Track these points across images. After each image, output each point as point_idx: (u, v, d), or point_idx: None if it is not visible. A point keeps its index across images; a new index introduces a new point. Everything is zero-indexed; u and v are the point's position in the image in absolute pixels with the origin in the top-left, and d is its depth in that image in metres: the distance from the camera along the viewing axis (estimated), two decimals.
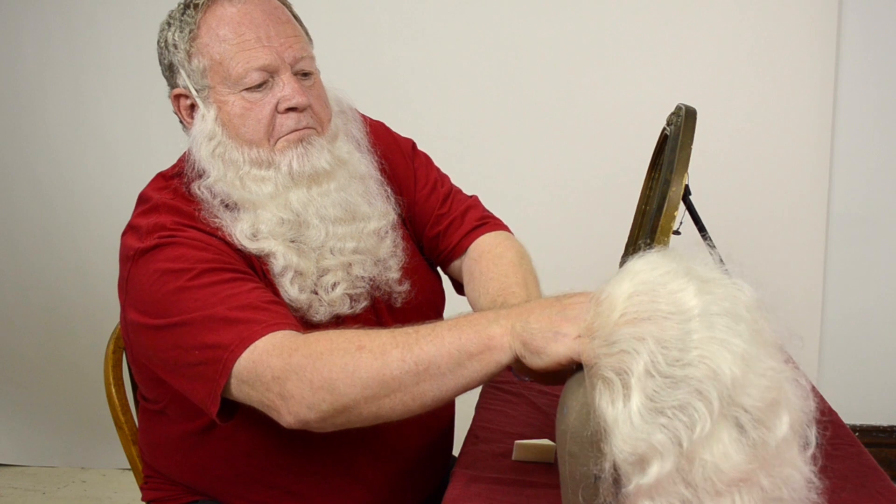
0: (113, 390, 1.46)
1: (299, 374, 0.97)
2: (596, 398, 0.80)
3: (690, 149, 1.18)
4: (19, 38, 2.63)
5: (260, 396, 1.01)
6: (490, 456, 1.22)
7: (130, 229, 1.17)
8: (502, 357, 0.91)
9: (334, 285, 1.19)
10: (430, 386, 0.94)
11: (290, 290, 1.16)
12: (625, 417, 0.77)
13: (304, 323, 1.16)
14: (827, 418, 1.34)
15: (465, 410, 1.49)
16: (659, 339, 0.77)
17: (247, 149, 1.16)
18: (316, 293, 1.18)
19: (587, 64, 2.46)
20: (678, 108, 1.26)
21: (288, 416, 0.99)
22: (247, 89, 1.15)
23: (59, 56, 2.62)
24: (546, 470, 1.17)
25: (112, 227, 2.60)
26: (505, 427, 1.33)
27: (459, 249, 1.39)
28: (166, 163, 1.34)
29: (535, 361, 0.88)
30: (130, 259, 1.13)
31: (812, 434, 0.84)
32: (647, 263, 0.84)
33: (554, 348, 0.86)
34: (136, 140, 2.61)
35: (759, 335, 0.79)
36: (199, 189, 1.17)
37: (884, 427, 2.60)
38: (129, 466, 1.45)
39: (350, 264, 1.21)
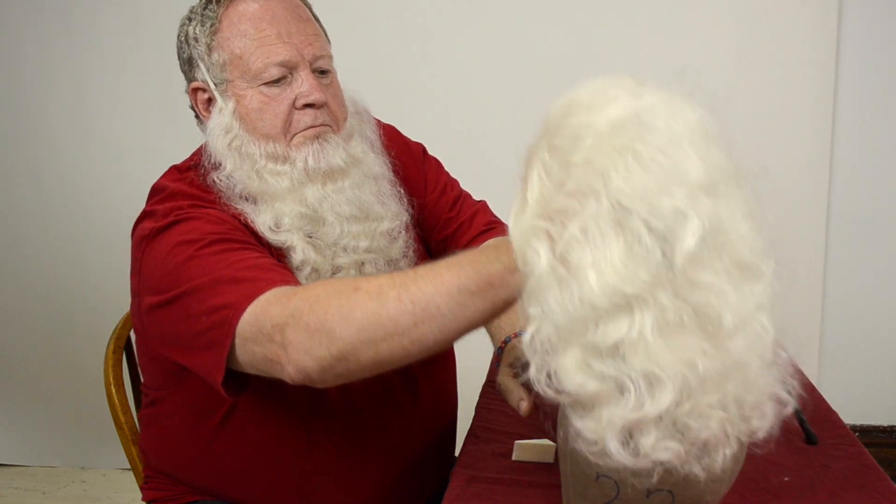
0: (113, 390, 1.46)
1: (297, 318, 0.92)
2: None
3: None
4: (20, 38, 2.63)
5: (263, 350, 0.96)
6: (490, 456, 1.22)
7: (146, 215, 1.17)
8: (507, 294, 0.81)
9: None
10: (430, 328, 0.86)
11: None
12: (516, 220, 0.74)
13: None
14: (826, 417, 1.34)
15: (465, 410, 1.49)
16: (556, 145, 0.73)
17: (263, 143, 1.16)
18: None
19: (587, 64, 2.46)
20: None
21: (289, 365, 0.93)
22: (265, 84, 1.15)
23: (59, 56, 2.62)
24: (546, 470, 1.17)
25: (113, 226, 2.60)
26: (505, 427, 1.32)
27: (470, 247, 1.39)
28: (167, 162, 1.34)
29: None
30: (146, 239, 1.12)
31: (768, 267, 0.78)
32: (595, 82, 0.79)
33: None
34: (139, 142, 2.61)
35: (684, 147, 0.72)
36: (218, 178, 1.17)
37: (884, 427, 2.60)
38: (129, 466, 1.45)
39: (363, 263, 1.21)
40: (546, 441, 1.21)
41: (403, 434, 1.30)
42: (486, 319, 0.86)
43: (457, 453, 1.28)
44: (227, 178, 1.17)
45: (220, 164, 1.17)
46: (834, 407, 1.40)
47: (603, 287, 0.69)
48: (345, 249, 1.19)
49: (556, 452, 1.20)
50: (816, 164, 2.46)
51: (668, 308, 0.70)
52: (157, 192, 1.21)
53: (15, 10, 2.62)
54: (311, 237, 1.17)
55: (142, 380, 1.37)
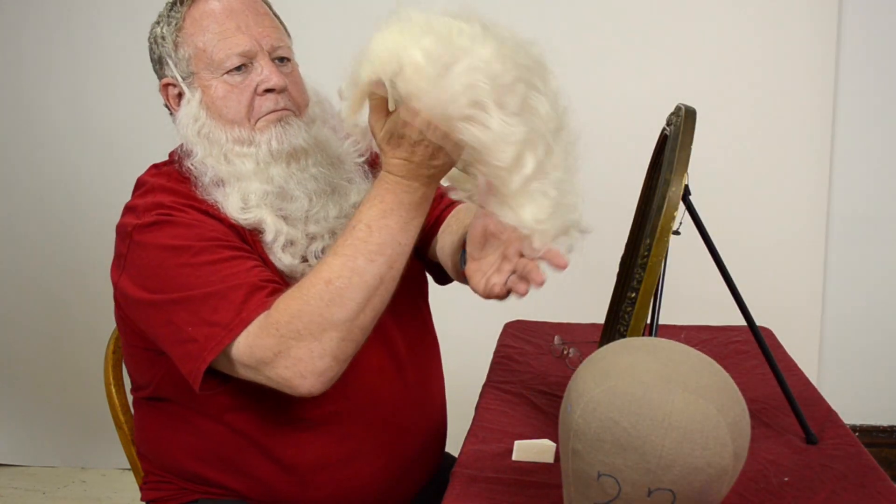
0: (113, 390, 1.46)
1: (297, 338, 1.05)
2: (471, 138, 0.98)
3: (690, 149, 1.18)
4: (20, 37, 2.63)
5: (268, 375, 1.08)
6: (490, 456, 1.22)
7: (128, 210, 1.23)
8: (429, 203, 1.09)
9: (323, 250, 1.24)
10: (400, 261, 1.09)
11: (284, 258, 1.21)
12: (499, 131, 0.97)
13: None
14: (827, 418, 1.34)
15: (465, 410, 1.49)
16: (483, 68, 0.97)
17: (229, 129, 1.23)
18: (306, 260, 1.24)
19: (587, 64, 2.46)
20: (678, 108, 1.26)
21: (304, 381, 1.06)
22: (227, 73, 1.22)
23: (59, 55, 2.62)
24: (546, 470, 1.17)
25: (113, 227, 2.60)
26: (505, 427, 1.33)
27: (439, 223, 1.42)
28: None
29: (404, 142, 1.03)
30: (129, 235, 1.18)
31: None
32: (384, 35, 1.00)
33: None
34: (137, 140, 2.60)
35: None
36: (191, 165, 1.23)
37: (884, 427, 2.60)
38: (129, 466, 1.45)
39: (335, 230, 1.25)
40: (546, 441, 1.22)
41: (395, 423, 1.31)
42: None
43: (456, 453, 1.29)
44: (200, 164, 1.23)
45: (192, 152, 1.23)
46: (834, 407, 1.40)
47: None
48: (315, 221, 1.25)
49: (556, 452, 1.20)
50: (816, 164, 2.46)
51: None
52: (137, 187, 1.28)
53: (14, 10, 2.62)
54: (279, 211, 1.22)
55: (130, 385, 1.38)
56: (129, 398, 1.48)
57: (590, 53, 2.46)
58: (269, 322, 1.06)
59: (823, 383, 2.54)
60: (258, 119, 1.23)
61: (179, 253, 1.13)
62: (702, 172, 1.56)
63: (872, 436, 2.58)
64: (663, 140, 1.35)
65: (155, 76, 1.32)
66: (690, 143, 1.19)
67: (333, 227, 1.25)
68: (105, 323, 1.63)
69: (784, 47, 2.40)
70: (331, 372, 1.08)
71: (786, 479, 1.14)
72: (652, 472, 0.83)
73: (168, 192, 1.21)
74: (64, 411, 2.80)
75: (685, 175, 1.17)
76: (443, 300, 1.59)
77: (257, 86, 1.22)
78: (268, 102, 1.23)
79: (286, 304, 1.07)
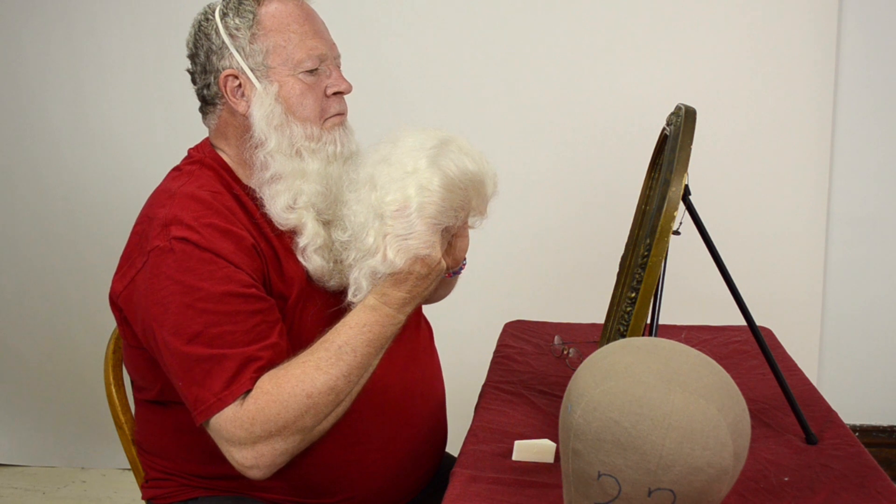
0: (113, 390, 1.46)
1: (266, 437, 1.13)
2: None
3: (690, 149, 1.18)
4: (20, 37, 2.63)
5: (226, 451, 1.16)
6: (490, 456, 1.22)
7: (148, 219, 1.23)
8: (402, 317, 1.20)
9: (339, 260, 1.28)
10: (372, 368, 1.19)
11: (315, 260, 1.26)
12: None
13: (321, 288, 1.29)
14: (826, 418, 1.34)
15: (464, 410, 1.49)
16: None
17: (302, 125, 1.28)
18: (331, 263, 1.28)
19: (587, 64, 2.46)
20: (678, 108, 1.26)
21: (257, 470, 1.15)
22: (304, 72, 1.27)
23: (59, 55, 2.62)
24: (546, 470, 1.17)
25: (113, 227, 2.60)
26: (505, 427, 1.33)
27: None
28: (167, 160, 1.35)
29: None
30: (148, 254, 1.18)
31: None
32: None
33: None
34: (138, 140, 2.61)
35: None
36: (262, 156, 1.26)
37: (884, 427, 2.60)
38: (129, 466, 1.45)
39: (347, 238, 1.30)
40: (546, 441, 1.22)
41: (402, 412, 1.32)
42: None
43: (456, 453, 1.29)
44: (269, 156, 1.26)
45: (265, 143, 1.26)
46: (834, 407, 1.40)
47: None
48: (341, 227, 1.27)
49: (556, 452, 1.20)
50: (816, 164, 2.46)
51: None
52: (158, 194, 1.27)
53: (14, 10, 2.61)
54: (319, 213, 1.28)
55: (132, 383, 1.37)
56: (131, 398, 1.48)
57: (590, 53, 2.46)
58: (243, 414, 1.12)
59: (823, 383, 2.54)
60: (326, 119, 1.30)
61: (187, 292, 1.14)
62: (702, 172, 1.57)
63: (872, 436, 2.58)
64: (663, 140, 1.35)
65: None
66: (690, 143, 1.19)
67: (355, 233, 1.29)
68: (105, 323, 1.63)
69: (784, 47, 2.41)
70: (282, 466, 1.16)
71: (786, 479, 1.14)
72: (652, 471, 0.83)
73: (190, 201, 1.21)
74: (64, 411, 2.80)
75: (685, 175, 1.17)
76: (443, 300, 1.59)
77: (326, 88, 1.29)
78: (335, 105, 1.30)
79: (265, 403, 1.12)
